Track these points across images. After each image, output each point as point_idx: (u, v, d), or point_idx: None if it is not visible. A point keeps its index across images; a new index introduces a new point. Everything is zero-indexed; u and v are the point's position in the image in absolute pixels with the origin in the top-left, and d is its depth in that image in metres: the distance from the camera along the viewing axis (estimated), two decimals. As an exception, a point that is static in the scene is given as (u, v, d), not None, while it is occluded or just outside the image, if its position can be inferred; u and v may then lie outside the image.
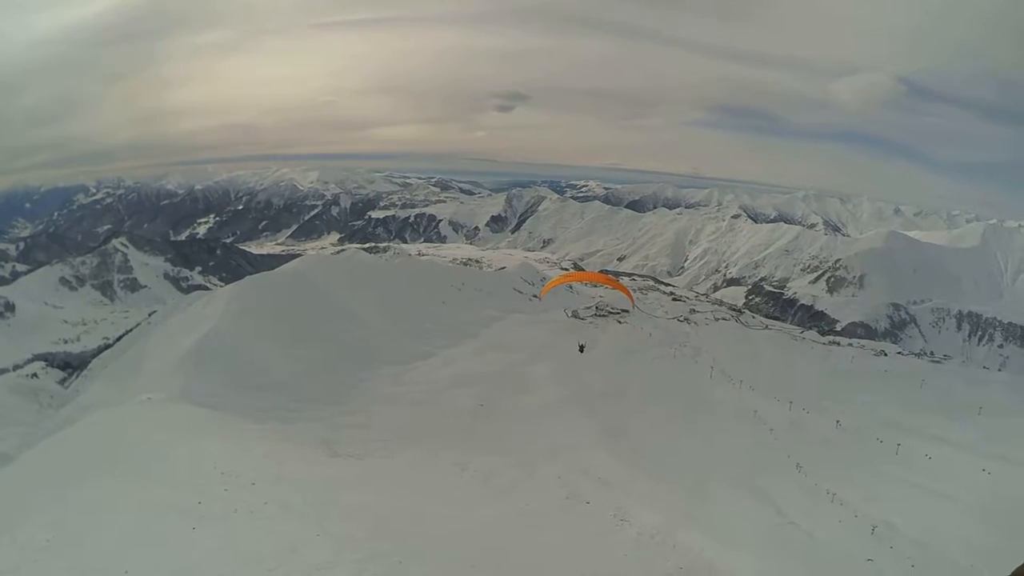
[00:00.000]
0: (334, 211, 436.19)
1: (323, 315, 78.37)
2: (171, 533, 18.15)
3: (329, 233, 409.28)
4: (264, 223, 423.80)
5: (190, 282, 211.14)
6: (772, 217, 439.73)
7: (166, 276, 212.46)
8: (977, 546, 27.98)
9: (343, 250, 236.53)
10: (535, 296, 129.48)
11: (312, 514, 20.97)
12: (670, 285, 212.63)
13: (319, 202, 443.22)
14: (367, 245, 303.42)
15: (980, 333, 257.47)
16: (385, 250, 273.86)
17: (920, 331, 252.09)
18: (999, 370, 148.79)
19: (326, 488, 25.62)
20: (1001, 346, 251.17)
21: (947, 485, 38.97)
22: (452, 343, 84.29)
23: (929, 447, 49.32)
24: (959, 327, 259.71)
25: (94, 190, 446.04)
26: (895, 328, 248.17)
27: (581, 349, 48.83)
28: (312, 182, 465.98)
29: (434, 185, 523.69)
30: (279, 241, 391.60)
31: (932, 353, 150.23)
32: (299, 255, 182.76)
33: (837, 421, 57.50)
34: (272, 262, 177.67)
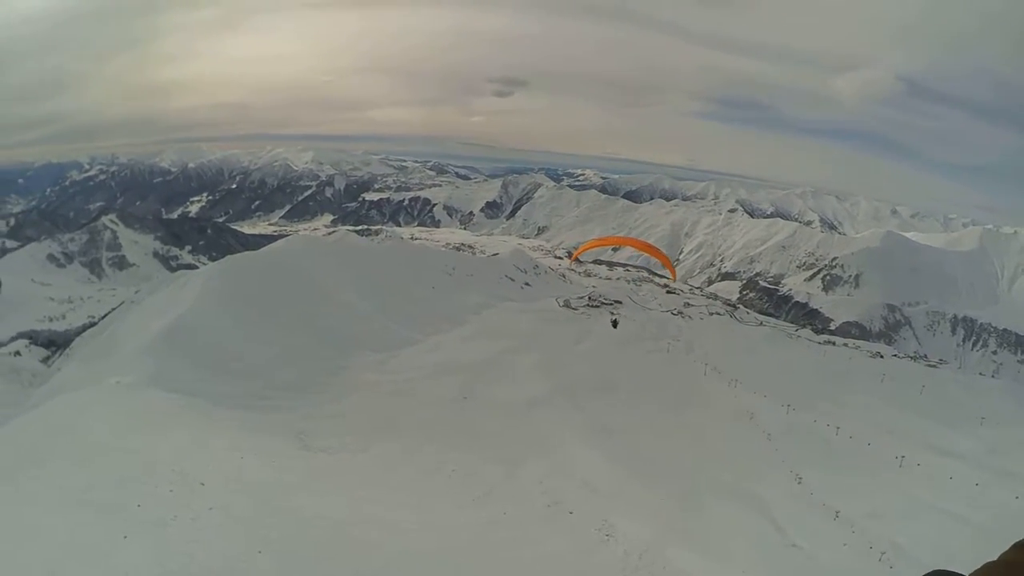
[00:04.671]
0: (328, 192, 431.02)
1: (306, 298, 75.75)
2: (99, 541, 16.18)
3: (322, 214, 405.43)
4: (257, 203, 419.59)
5: (179, 261, 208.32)
6: (769, 213, 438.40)
7: (155, 255, 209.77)
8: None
9: (334, 232, 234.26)
10: (527, 284, 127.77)
11: (260, 524, 18.77)
12: (664, 278, 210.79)
13: (313, 183, 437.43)
14: (360, 227, 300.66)
15: (975, 338, 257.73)
16: (377, 233, 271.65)
17: (915, 333, 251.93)
18: (992, 376, 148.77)
19: (283, 492, 23.40)
20: (995, 352, 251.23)
21: (955, 503, 37.28)
22: (439, 330, 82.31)
23: (933, 458, 47.84)
24: (954, 331, 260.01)
25: (87, 166, 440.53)
26: (889, 329, 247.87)
27: (615, 324, 47.63)
28: (307, 163, 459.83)
29: (430, 169, 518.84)
30: (272, 221, 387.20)
31: (927, 356, 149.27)
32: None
33: (837, 427, 55.84)
34: (263, 242, 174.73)
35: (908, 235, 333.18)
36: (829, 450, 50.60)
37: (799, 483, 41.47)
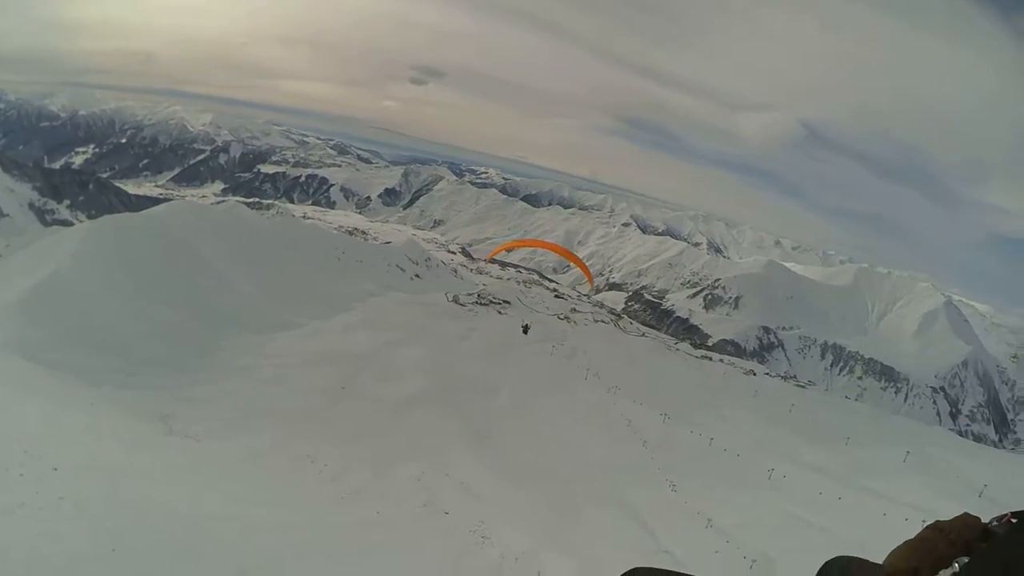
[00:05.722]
0: (222, 159, 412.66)
1: (186, 270, 72.01)
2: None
3: (213, 181, 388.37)
4: (146, 161, 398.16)
5: (55, 216, 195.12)
6: (660, 231, 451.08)
7: (31, 206, 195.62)
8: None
9: (223, 201, 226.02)
10: (417, 276, 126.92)
11: (114, 518, 17.85)
12: (554, 282, 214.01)
13: (208, 147, 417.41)
14: (251, 200, 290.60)
15: (842, 364, 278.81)
16: (268, 208, 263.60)
17: (786, 355, 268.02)
18: (857, 399, 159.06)
19: (141, 481, 22.34)
20: (860, 378, 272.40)
21: (822, 517, 39.27)
22: (323, 315, 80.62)
23: (801, 473, 50.38)
24: (823, 356, 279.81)
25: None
26: (763, 349, 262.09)
27: (525, 331, 47.95)
28: (204, 125, 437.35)
29: (332, 147, 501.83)
30: (159, 183, 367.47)
31: (796, 377, 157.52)
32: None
33: (711, 438, 57.96)
34: (147, 204, 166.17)
35: (788, 265, 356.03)
36: (703, 460, 52.53)
37: (673, 491, 42.81)
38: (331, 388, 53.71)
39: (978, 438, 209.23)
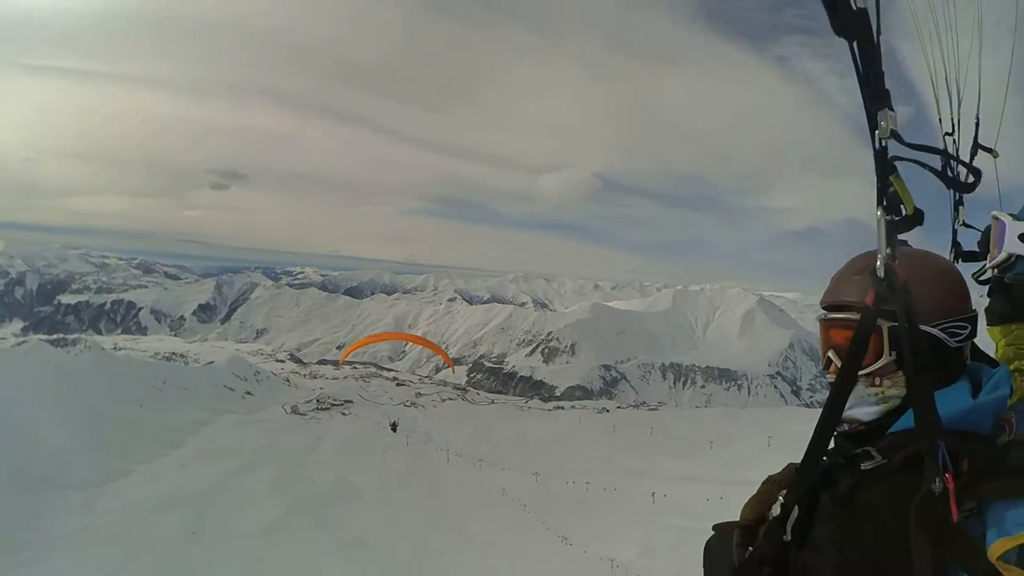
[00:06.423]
0: (18, 293, 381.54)
1: None
2: None
3: (12, 320, 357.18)
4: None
5: None
6: (486, 299, 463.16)
7: None
8: None
9: (24, 342, 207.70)
10: (249, 393, 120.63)
11: None
12: (393, 370, 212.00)
13: (2, 281, 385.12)
14: (54, 337, 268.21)
15: (683, 379, 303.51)
16: (75, 343, 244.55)
17: (631, 385, 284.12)
18: (706, 406, 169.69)
19: None
20: (703, 386, 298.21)
21: (714, 521, 39.17)
22: (153, 455, 73.72)
23: (679, 486, 51.44)
24: (664, 376, 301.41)
25: None
26: (608, 386, 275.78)
27: (394, 428, 46.23)
28: None
29: (135, 267, 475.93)
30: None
31: (646, 403, 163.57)
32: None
33: (586, 483, 58.20)
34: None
35: (611, 304, 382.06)
36: (586, 506, 52.65)
37: (567, 544, 42.17)
38: (180, 536, 48.64)
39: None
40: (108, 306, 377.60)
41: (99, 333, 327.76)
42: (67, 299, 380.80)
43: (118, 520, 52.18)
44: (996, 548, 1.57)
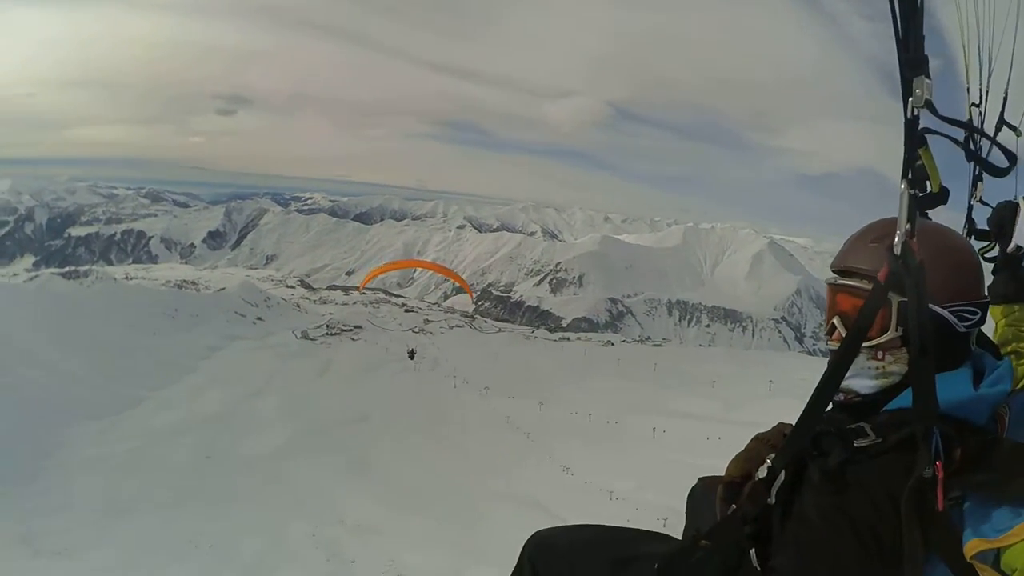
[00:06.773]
0: (28, 228, 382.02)
1: (4, 366, 65.08)
2: None
3: (23, 256, 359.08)
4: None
5: None
6: (495, 227, 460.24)
7: None
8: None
9: (36, 276, 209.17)
10: (260, 319, 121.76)
11: None
12: (401, 297, 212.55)
13: (11, 217, 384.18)
14: (66, 270, 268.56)
15: (689, 316, 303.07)
16: (86, 275, 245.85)
17: (637, 320, 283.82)
18: (710, 346, 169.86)
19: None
20: (708, 326, 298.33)
21: (710, 459, 39.96)
22: (166, 382, 75.01)
23: (679, 423, 52.41)
24: (670, 313, 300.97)
25: None
26: (614, 320, 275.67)
27: (411, 355, 47.26)
28: (3, 192, 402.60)
29: (144, 197, 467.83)
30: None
31: (651, 338, 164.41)
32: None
33: (589, 414, 59.09)
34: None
35: (621, 237, 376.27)
36: (587, 437, 53.58)
37: (567, 473, 43.16)
38: (195, 460, 50.08)
39: (826, 354, 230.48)
40: (118, 236, 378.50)
41: (110, 264, 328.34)
42: (77, 231, 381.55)
43: (135, 446, 53.70)
44: (972, 547, 1.57)
